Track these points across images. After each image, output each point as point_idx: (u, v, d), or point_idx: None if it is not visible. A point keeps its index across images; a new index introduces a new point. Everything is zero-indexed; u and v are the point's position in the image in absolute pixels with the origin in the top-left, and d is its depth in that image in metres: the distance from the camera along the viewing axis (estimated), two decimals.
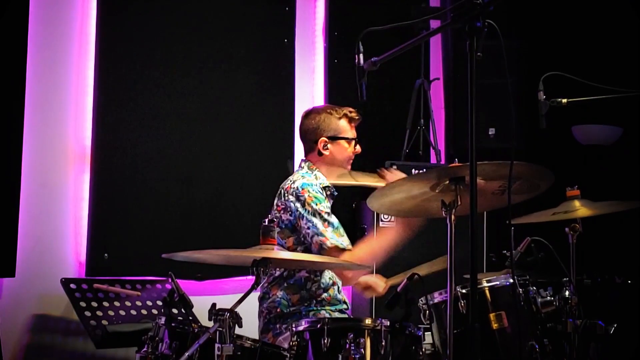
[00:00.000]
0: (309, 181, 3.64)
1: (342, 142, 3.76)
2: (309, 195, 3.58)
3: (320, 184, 3.68)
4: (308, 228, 3.54)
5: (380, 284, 3.71)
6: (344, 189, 3.96)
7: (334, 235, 3.52)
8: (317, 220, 3.54)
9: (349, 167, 3.81)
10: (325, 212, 3.57)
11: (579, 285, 3.71)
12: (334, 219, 3.57)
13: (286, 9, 5.13)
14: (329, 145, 3.74)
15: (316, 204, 3.57)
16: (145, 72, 4.50)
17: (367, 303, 4.69)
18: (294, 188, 3.61)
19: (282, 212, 3.61)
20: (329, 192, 3.72)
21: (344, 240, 3.53)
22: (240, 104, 4.85)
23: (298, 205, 3.57)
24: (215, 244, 3.84)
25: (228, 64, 4.82)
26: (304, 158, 3.81)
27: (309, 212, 3.55)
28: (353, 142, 3.79)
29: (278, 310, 3.59)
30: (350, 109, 3.79)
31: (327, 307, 3.65)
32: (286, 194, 3.63)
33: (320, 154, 3.74)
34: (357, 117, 3.80)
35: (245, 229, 4.20)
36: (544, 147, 5.02)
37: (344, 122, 3.76)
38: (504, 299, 3.20)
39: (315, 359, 2.86)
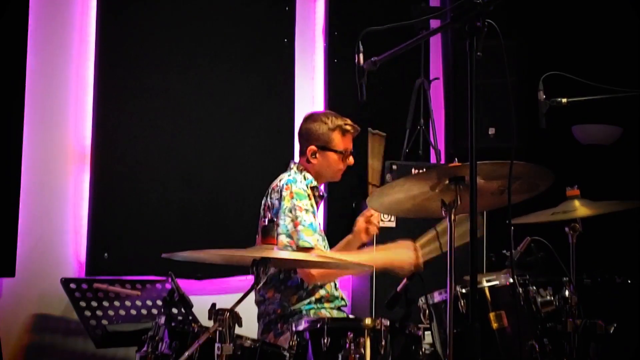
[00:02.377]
0: (295, 178, 3.66)
1: (331, 154, 3.73)
2: (290, 192, 3.60)
3: (307, 183, 3.69)
4: (278, 226, 3.50)
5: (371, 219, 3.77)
6: (342, 188, 3.97)
7: (303, 235, 3.51)
8: (289, 220, 3.54)
9: (339, 178, 3.80)
10: (303, 209, 3.55)
11: (579, 285, 3.71)
12: (308, 217, 3.55)
13: (286, 8, 5.13)
14: (317, 155, 3.72)
15: (296, 200, 3.57)
16: (145, 72, 4.50)
17: (367, 302, 4.69)
18: (279, 186, 3.64)
19: (267, 211, 3.64)
20: (316, 193, 3.73)
21: (312, 240, 3.51)
22: (240, 104, 4.85)
23: (279, 201, 3.60)
24: (215, 244, 3.84)
25: (228, 64, 4.82)
26: (294, 160, 3.82)
27: (286, 208, 3.56)
28: (344, 155, 3.74)
29: (278, 311, 3.60)
30: (347, 121, 3.74)
31: (325, 304, 3.65)
32: (272, 193, 3.66)
33: (308, 161, 3.75)
34: (351, 130, 3.75)
35: (245, 229, 4.21)
36: (544, 147, 5.02)
37: (336, 134, 3.72)
38: (504, 299, 3.20)
39: (315, 358, 2.86)
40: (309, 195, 3.63)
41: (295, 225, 3.53)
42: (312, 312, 3.60)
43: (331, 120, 3.75)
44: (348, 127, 3.74)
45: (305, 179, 3.71)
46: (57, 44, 4.28)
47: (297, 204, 3.56)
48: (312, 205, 3.62)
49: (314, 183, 3.72)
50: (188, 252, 2.93)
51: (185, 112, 4.63)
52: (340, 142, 3.73)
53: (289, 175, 3.68)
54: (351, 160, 3.76)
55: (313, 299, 3.63)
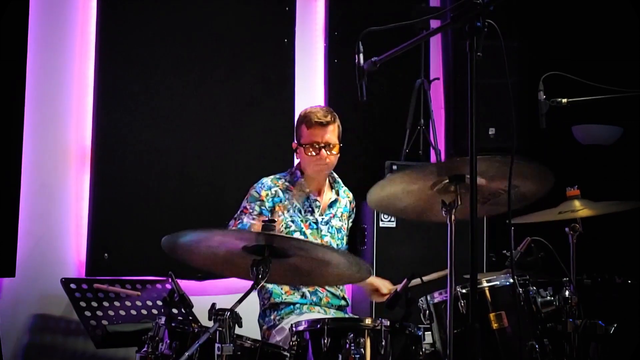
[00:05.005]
0: (266, 179, 3.72)
1: (301, 148, 3.69)
2: (248, 194, 3.70)
3: (295, 181, 3.72)
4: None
5: (387, 285, 3.71)
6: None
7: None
8: (235, 215, 3.65)
9: (318, 174, 3.72)
10: (248, 212, 3.62)
11: (579, 285, 3.71)
12: (247, 219, 3.60)
13: (286, 8, 5.12)
14: (297, 151, 3.74)
15: (246, 202, 3.68)
16: (145, 72, 4.50)
17: (367, 302, 4.69)
18: None
19: None
20: (302, 190, 3.74)
21: None
22: (240, 104, 4.85)
23: None
24: None
25: (228, 64, 4.81)
26: None
27: (239, 208, 3.68)
28: (311, 148, 3.64)
29: (272, 299, 3.64)
30: (313, 112, 3.65)
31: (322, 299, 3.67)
32: None
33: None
34: (313, 121, 3.63)
35: None
36: (544, 147, 5.02)
37: (303, 127, 3.67)
38: (504, 299, 3.20)
39: (315, 358, 2.86)
40: (261, 198, 3.65)
41: (233, 224, 3.64)
42: (304, 307, 3.61)
43: (302, 114, 3.72)
44: (309, 117, 3.64)
45: (294, 177, 3.73)
46: (57, 44, 4.28)
47: (244, 205, 3.68)
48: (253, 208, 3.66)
49: (301, 181, 3.74)
50: (189, 231, 2.85)
51: (185, 112, 4.63)
52: (306, 134, 3.65)
53: (273, 175, 3.75)
54: (323, 154, 3.63)
55: (307, 291, 3.66)
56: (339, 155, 3.72)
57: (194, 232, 2.81)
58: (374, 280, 3.75)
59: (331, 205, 3.81)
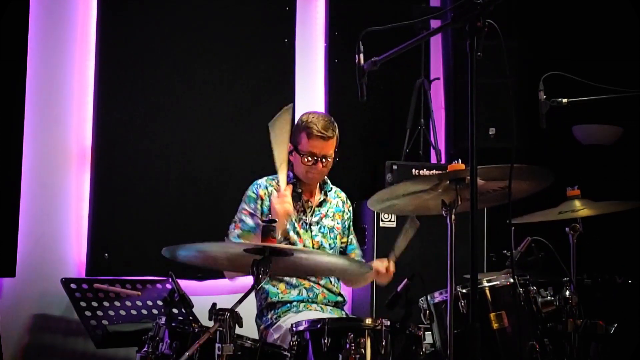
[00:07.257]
0: (261, 180, 3.76)
1: (297, 155, 3.71)
2: (245, 195, 3.75)
3: (289, 181, 3.71)
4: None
5: (384, 263, 3.70)
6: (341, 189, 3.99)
7: (236, 237, 3.60)
8: (235, 220, 3.68)
9: (310, 182, 3.76)
10: (249, 213, 3.65)
11: (580, 285, 3.72)
12: (249, 220, 3.62)
13: (286, 8, 5.12)
14: (292, 153, 3.73)
15: (244, 203, 3.72)
16: (146, 72, 4.49)
17: (367, 302, 4.69)
18: None
19: None
20: (294, 190, 3.74)
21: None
22: (241, 104, 4.85)
23: None
24: None
25: (228, 64, 4.81)
26: None
27: (238, 210, 3.71)
28: (308, 158, 3.66)
29: (268, 299, 3.65)
30: (315, 123, 3.65)
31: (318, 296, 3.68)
32: None
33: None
34: (314, 134, 3.64)
35: None
36: (544, 147, 5.02)
37: (303, 135, 3.68)
38: (505, 299, 3.20)
39: (315, 358, 2.87)
40: (261, 197, 3.68)
41: (234, 227, 3.65)
42: (301, 305, 3.63)
43: (304, 121, 3.71)
44: (311, 130, 3.64)
45: (287, 178, 3.74)
46: (57, 44, 4.28)
47: (243, 207, 3.71)
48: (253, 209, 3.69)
49: (291, 180, 3.77)
50: (188, 245, 2.87)
51: (186, 112, 4.63)
52: (305, 144, 3.67)
53: (268, 176, 3.76)
54: (319, 166, 3.67)
55: (303, 288, 3.67)
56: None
57: (193, 245, 2.84)
58: (374, 264, 3.76)
59: (320, 205, 3.84)
